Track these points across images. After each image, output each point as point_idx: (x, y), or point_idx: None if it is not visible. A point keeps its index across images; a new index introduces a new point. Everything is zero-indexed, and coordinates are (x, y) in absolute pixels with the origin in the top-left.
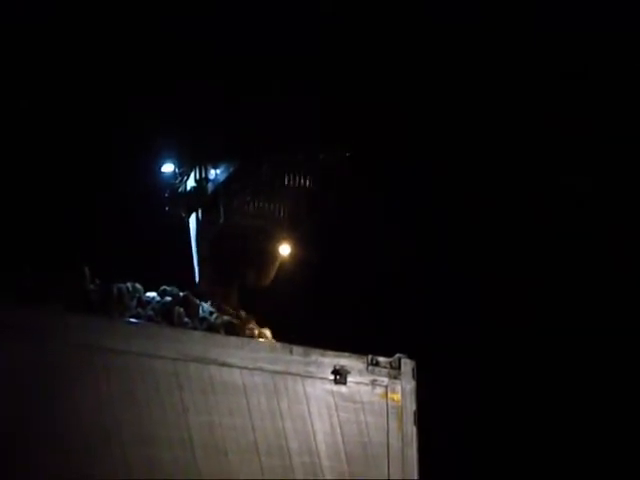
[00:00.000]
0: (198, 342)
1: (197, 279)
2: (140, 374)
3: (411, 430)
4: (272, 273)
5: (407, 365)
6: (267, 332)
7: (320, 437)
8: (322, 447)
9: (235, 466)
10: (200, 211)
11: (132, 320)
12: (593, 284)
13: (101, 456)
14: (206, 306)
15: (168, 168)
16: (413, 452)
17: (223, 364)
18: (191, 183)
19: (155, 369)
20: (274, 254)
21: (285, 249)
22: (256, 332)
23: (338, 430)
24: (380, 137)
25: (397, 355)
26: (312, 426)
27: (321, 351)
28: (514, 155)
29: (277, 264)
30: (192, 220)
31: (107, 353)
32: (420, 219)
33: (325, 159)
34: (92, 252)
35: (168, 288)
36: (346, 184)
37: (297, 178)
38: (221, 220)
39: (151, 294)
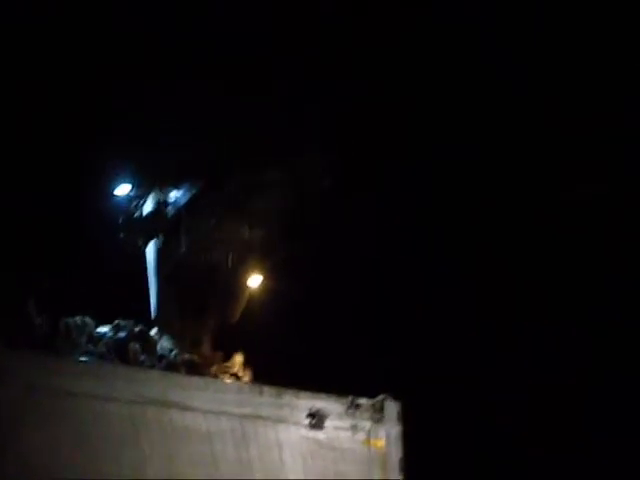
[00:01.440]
0: (156, 383)
1: (154, 313)
2: (92, 418)
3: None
4: (240, 308)
5: (392, 407)
6: (237, 358)
7: None
8: None
9: None
10: (159, 238)
11: (82, 359)
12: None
13: None
14: (165, 342)
15: (123, 190)
16: None
17: (185, 407)
18: (149, 207)
19: (108, 413)
20: (243, 286)
21: (255, 280)
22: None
23: None
24: (364, 147)
25: (380, 396)
26: (286, 477)
27: (295, 392)
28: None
29: (246, 297)
30: (150, 248)
31: (54, 395)
32: (405, 243)
33: (301, 173)
34: (37, 283)
35: (122, 322)
36: (325, 203)
37: (269, 197)
38: (182, 248)
39: (103, 329)
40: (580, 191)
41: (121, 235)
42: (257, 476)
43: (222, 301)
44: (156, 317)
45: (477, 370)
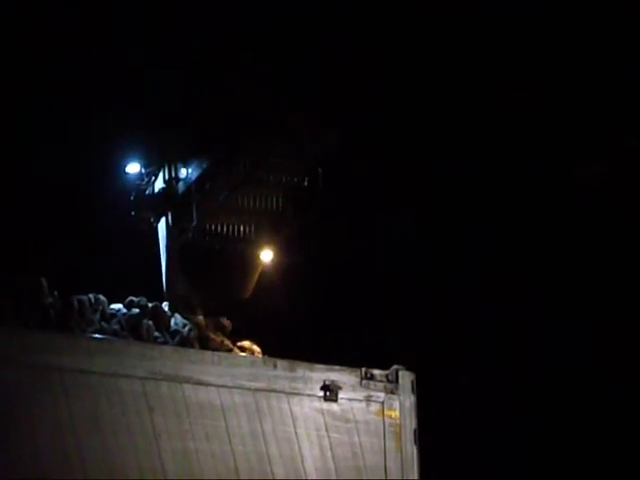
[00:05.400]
0: (170, 359)
1: (166, 290)
2: (105, 396)
3: (411, 451)
4: (252, 283)
5: (405, 378)
6: (255, 347)
7: (309, 462)
8: (312, 473)
9: None
10: (170, 215)
11: (95, 336)
12: (601, 293)
13: None
14: (178, 318)
15: (134, 168)
16: (414, 475)
17: (198, 382)
18: (160, 184)
19: (122, 390)
20: (254, 261)
21: (267, 255)
22: (239, 346)
23: (329, 453)
24: (375, 121)
25: (394, 367)
26: (300, 450)
27: (309, 365)
28: (512, 155)
29: (258, 272)
30: (161, 225)
31: (68, 373)
32: (420, 218)
33: (311, 147)
34: (49, 261)
35: (135, 299)
36: (336, 176)
37: (280, 171)
38: (194, 224)
39: (116, 306)
40: (580, 173)
41: (133, 212)
42: (271, 449)
43: (234, 276)
44: (168, 293)
45: (490, 340)
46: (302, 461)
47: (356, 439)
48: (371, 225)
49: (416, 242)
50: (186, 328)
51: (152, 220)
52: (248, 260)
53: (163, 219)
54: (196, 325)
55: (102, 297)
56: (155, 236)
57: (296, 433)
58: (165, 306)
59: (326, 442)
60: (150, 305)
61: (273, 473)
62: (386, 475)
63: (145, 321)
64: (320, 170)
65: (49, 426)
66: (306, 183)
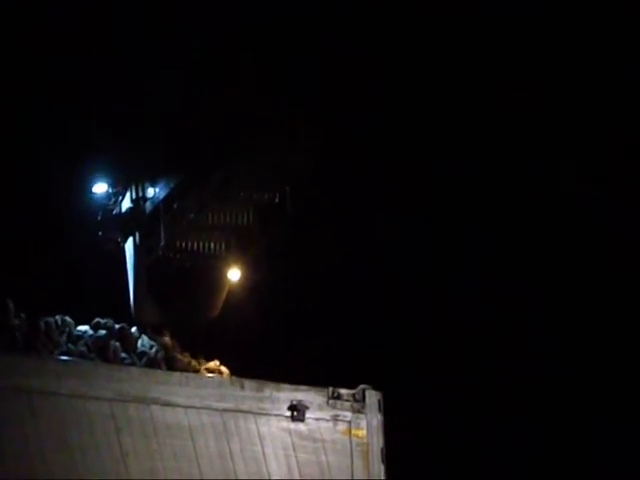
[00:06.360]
0: (137, 380)
1: (133, 311)
2: (73, 417)
3: (378, 469)
4: (220, 301)
5: (373, 397)
6: (222, 368)
7: None
8: None
9: None
10: (138, 234)
11: (63, 358)
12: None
13: None
14: (145, 339)
15: (101, 188)
16: None
17: (166, 403)
18: (127, 204)
19: (90, 411)
20: (222, 280)
21: (234, 274)
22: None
23: (297, 472)
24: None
25: (361, 386)
26: (267, 469)
27: (276, 385)
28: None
29: (225, 292)
30: (129, 245)
31: (36, 395)
32: (389, 238)
33: (284, 164)
34: (15, 281)
35: (102, 320)
36: (308, 194)
37: (249, 188)
38: (162, 243)
39: (83, 328)
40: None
41: (100, 232)
42: (239, 469)
43: (202, 294)
44: (136, 313)
45: (458, 358)
46: None
47: (323, 458)
48: (339, 243)
49: (383, 256)
50: (153, 349)
51: (119, 240)
52: (216, 278)
53: (130, 239)
54: (163, 346)
55: (68, 319)
56: (122, 256)
57: (264, 453)
58: (133, 328)
59: (293, 461)
60: (117, 326)
61: None
62: None
63: (112, 342)
64: (288, 188)
65: (17, 447)
66: (277, 200)
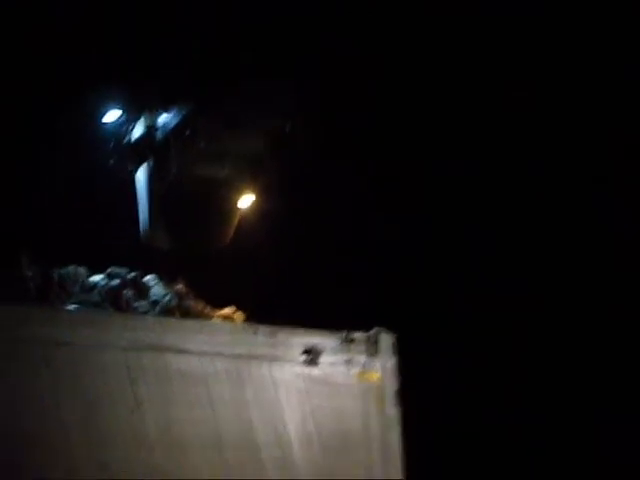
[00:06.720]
0: (151, 328)
1: (144, 238)
2: (87, 367)
3: (393, 413)
4: (231, 229)
5: (386, 340)
6: (236, 315)
7: (291, 427)
8: (294, 438)
9: (198, 463)
10: (150, 163)
11: (76, 307)
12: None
13: (44, 461)
14: (159, 287)
15: (112, 116)
16: (396, 438)
17: (180, 351)
18: (139, 131)
19: (104, 361)
20: (233, 207)
21: (246, 200)
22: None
23: (311, 418)
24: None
25: (375, 329)
26: (282, 415)
27: (290, 329)
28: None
29: (237, 219)
30: (140, 174)
31: (49, 346)
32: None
33: (297, 89)
34: (26, 230)
35: (115, 270)
36: (324, 119)
37: (259, 116)
38: (173, 170)
39: (96, 277)
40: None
41: (111, 162)
42: (254, 416)
43: (213, 222)
44: (147, 240)
45: (473, 300)
46: (285, 427)
47: (338, 402)
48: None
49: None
50: (167, 297)
51: (131, 170)
52: (227, 205)
53: (142, 167)
54: (177, 294)
55: (81, 269)
56: (134, 186)
57: (278, 399)
58: (146, 276)
59: (308, 407)
60: (130, 275)
61: (256, 439)
62: (368, 438)
63: (125, 291)
64: (302, 115)
65: (31, 399)
66: (288, 129)
